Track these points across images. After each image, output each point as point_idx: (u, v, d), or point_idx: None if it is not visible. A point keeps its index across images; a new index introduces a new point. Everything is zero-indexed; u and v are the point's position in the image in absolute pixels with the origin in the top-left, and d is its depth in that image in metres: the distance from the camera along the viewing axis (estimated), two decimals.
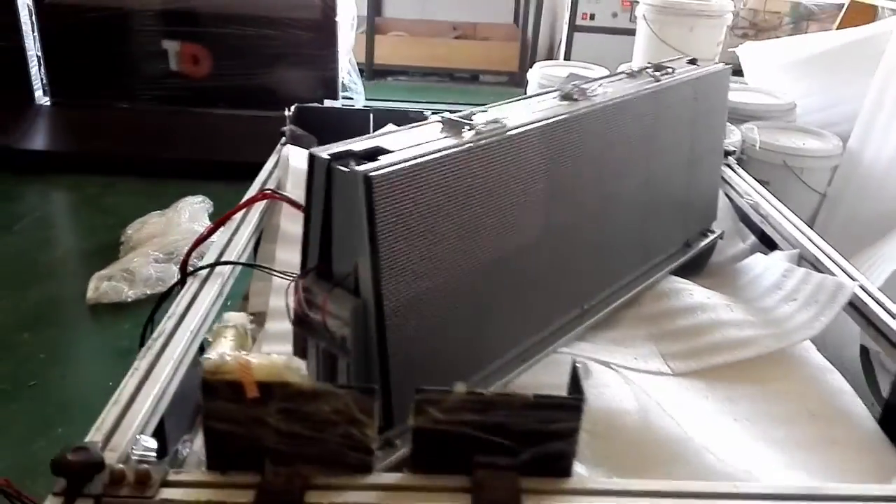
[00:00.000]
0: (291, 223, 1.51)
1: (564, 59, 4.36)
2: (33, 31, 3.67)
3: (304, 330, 0.99)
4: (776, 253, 1.62)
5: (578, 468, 0.93)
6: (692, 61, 1.59)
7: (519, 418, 0.81)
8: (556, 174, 1.16)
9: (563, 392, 1.16)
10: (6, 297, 2.41)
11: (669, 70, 1.44)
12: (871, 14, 3.55)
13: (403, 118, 1.88)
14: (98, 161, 3.43)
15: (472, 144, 1.00)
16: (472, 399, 0.80)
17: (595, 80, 1.34)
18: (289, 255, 1.47)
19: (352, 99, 3.94)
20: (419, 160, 0.92)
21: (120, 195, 3.22)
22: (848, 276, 1.39)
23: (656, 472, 0.98)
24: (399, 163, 0.90)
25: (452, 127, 1.03)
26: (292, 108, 1.82)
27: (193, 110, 3.80)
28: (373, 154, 0.92)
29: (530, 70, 3.36)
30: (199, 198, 2.90)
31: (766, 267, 1.58)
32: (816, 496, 0.83)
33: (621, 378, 1.22)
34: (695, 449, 1.03)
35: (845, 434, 1.17)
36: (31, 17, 3.63)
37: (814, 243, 1.53)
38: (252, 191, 1.62)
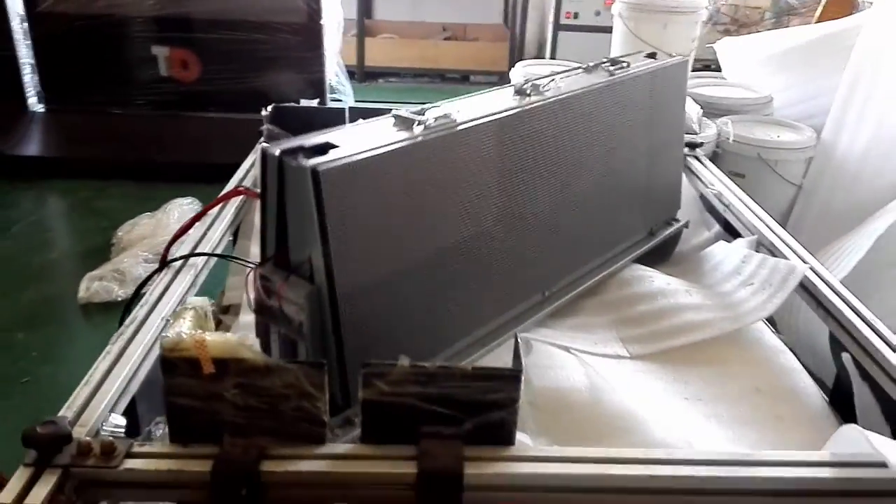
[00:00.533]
0: None
1: (550, 58, 4.42)
2: (25, 39, 3.73)
3: (265, 317, 1.04)
4: (738, 240, 1.67)
5: (524, 439, 0.98)
6: (651, 55, 1.65)
7: (460, 389, 0.86)
8: (509, 166, 1.21)
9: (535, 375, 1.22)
10: (1, 299, 2.47)
11: (624, 64, 1.50)
12: (848, 7, 3.61)
13: (377, 115, 1.93)
14: (90, 166, 3.49)
15: (421, 139, 1.05)
16: (416, 371, 0.85)
17: (550, 75, 1.40)
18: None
19: (340, 101, 4.00)
20: (366, 154, 0.97)
21: (112, 199, 3.28)
22: (801, 259, 1.45)
23: (601, 444, 1.03)
24: (346, 157, 0.95)
25: (404, 122, 1.09)
26: (269, 107, 1.88)
27: (184, 114, 3.86)
28: (322, 149, 0.97)
29: (512, 70, 3.42)
30: (188, 199, 2.96)
31: (726, 254, 1.63)
32: (745, 461, 0.88)
33: (578, 361, 1.27)
34: (640, 423, 1.08)
35: (791, 410, 1.22)
36: (22, 25, 3.69)
37: (771, 229, 1.58)
38: (230, 185, 1.68)
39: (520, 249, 1.29)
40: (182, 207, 2.88)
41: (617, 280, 1.56)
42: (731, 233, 1.76)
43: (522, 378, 0.86)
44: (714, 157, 2.71)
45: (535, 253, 1.34)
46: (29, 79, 3.81)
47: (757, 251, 1.57)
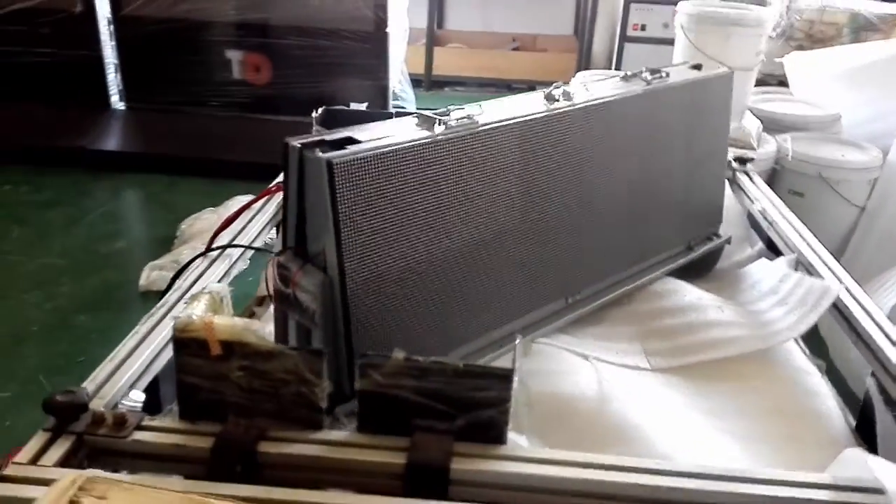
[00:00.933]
0: None
1: (615, 69, 4.38)
2: (111, 41, 3.95)
3: (283, 305, 1.09)
4: (779, 259, 1.63)
5: (520, 440, 0.99)
6: (696, 67, 1.63)
7: (451, 385, 0.88)
8: (532, 169, 1.22)
9: (536, 374, 1.23)
10: (69, 283, 2.63)
11: (663, 74, 1.49)
12: None
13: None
14: (164, 161, 3.67)
15: (440, 138, 1.08)
16: (409, 365, 0.88)
17: (585, 82, 1.40)
18: None
19: (403, 107, 4.07)
20: (383, 149, 1.01)
21: (181, 193, 3.44)
22: (837, 278, 1.40)
23: (603, 453, 1.03)
24: (363, 151, 0.99)
25: (425, 121, 1.12)
26: (320, 110, 1.94)
27: (254, 116, 4.01)
28: (342, 143, 1.01)
29: (573, 79, 3.41)
30: (249, 197, 3.07)
31: (766, 272, 1.59)
32: (736, 477, 0.87)
33: (592, 368, 1.27)
34: (645, 434, 1.07)
35: (811, 433, 1.18)
36: (108, 27, 3.91)
37: (811, 248, 1.54)
38: (274, 182, 1.75)
39: (541, 254, 1.30)
40: (241, 204, 2.98)
41: (648, 292, 1.54)
42: (773, 250, 1.72)
43: (514, 378, 0.88)
44: (773, 175, 2.64)
45: (558, 258, 1.34)
46: (112, 78, 4.03)
47: (796, 270, 1.53)
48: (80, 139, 3.78)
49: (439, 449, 0.88)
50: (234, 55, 3.90)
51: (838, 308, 1.34)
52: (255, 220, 1.54)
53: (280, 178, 1.77)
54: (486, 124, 1.15)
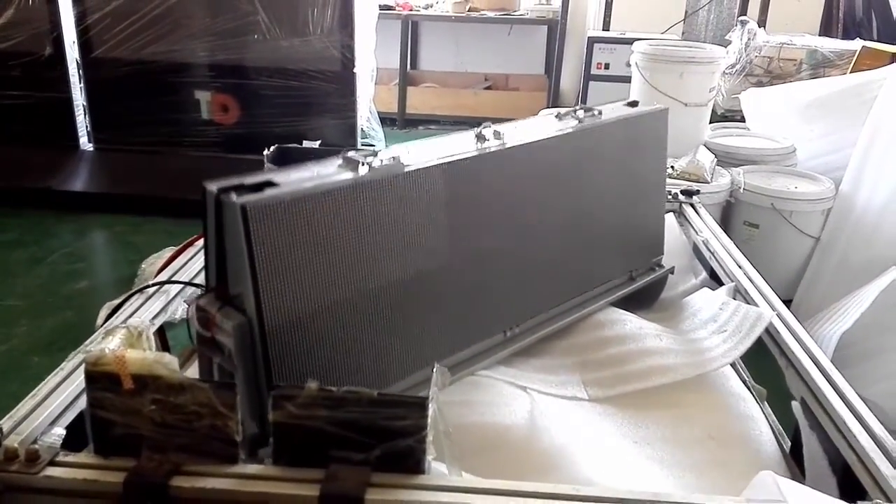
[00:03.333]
0: None
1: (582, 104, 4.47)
2: (80, 83, 3.99)
3: (204, 348, 1.08)
4: (720, 288, 1.65)
5: (443, 469, 0.99)
6: (632, 104, 1.66)
7: (367, 415, 0.88)
8: (461, 208, 1.23)
9: (468, 405, 1.23)
10: (25, 324, 2.60)
11: (596, 112, 1.52)
12: (883, 59, 3.55)
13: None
14: (130, 201, 3.67)
15: (362, 180, 1.09)
16: (323, 395, 0.88)
17: (515, 122, 1.44)
18: None
19: (373, 145, 4.12)
20: (298, 192, 1.02)
21: (145, 233, 3.44)
22: (770, 305, 1.42)
23: (536, 477, 1.03)
24: (277, 194, 1.00)
25: (350, 163, 1.13)
26: (272, 148, 1.96)
27: (223, 155, 4.04)
28: (260, 187, 1.02)
29: (542, 112, 3.47)
30: None
31: (706, 301, 1.61)
32: (653, 502, 0.88)
33: (527, 399, 1.27)
34: (571, 461, 1.08)
35: (741, 458, 1.19)
36: (78, 70, 3.95)
37: (748, 276, 1.56)
38: None
39: (475, 289, 1.31)
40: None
41: (590, 323, 1.56)
42: (716, 280, 1.75)
43: (432, 406, 0.88)
44: (728, 207, 2.69)
45: (494, 293, 1.35)
46: (81, 119, 4.05)
47: (734, 298, 1.55)
48: (47, 180, 3.78)
49: (355, 480, 0.88)
50: (202, 95, 3.94)
51: (770, 334, 1.36)
52: (200, 255, 1.55)
53: None
54: (411, 165, 1.17)
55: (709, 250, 1.76)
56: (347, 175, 1.10)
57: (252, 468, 0.91)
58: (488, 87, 6.01)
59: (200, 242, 1.62)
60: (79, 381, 1.08)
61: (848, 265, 2.55)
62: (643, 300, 1.73)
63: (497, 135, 1.34)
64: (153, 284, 1.39)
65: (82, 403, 1.08)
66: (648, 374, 1.38)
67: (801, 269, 2.66)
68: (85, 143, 4.10)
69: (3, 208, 3.61)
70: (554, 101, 5.27)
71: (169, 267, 1.51)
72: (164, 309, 1.35)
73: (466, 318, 1.31)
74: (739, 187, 2.53)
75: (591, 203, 1.52)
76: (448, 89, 5.82)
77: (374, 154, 1.16)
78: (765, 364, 1.41)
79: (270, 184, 1.04)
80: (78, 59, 3.93)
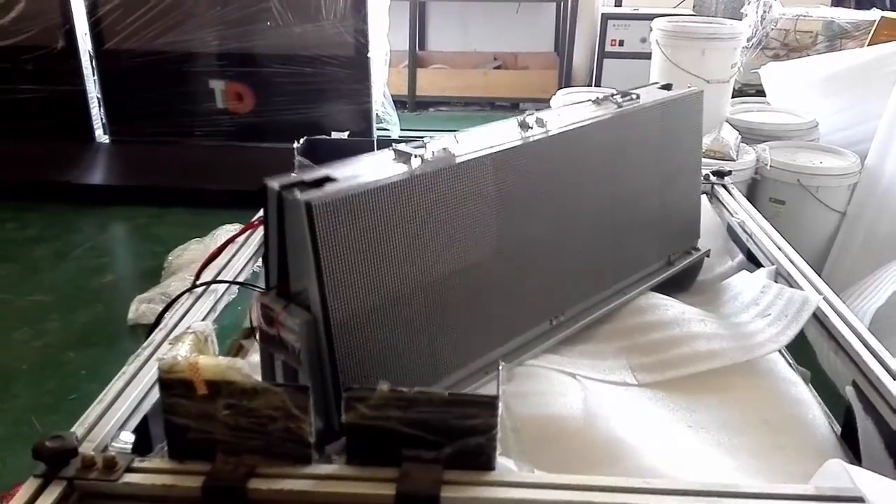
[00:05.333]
0: None
1: (595, 85, 4.43)
2: (93, 75, 3.98)
3: (268, 346, 1.10)
4: (759, 270, 1.65)
5: (509, 464, 1.00)
6: (666, 86, 1.66)
7: (438, 414, 0.89)
8: (509, 197, 1.24)
9: (523, 396, 1.25)
10: (57, 319, 2.62)
11: (634, 96, 1.51)
12: None
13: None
14: (149, 193, 3.68)
15: (415, 172, 1.10)
16: (395, 396, 0.89)
17: (556, 108, 1.43)
18: None
19: (388, 130, 4.11)
20: (360, 188, 1.02)
21: (167, 225, 3.45)
22: (816, 289, 1.42)
23: (593, 471, 1.04)
24: (340, 190, 1.00)
25: (402, 156, 1.13)
26: (301, 140, 1.96)
27: (239, 144, 4.03)
28: (320, 182, 1.03)
29: (553, 98, 3.46)
30: (235, 226, 3.08)
31: (746, 284, 1.62)
32: (725, 493, 0.89)
33: (579, 387, 1.28)
34: (632, 450, 1.08)
35: (796, 442, 1.20)
36: (91, 62, 3.94)
37: (789, 259, 1.56)
38: (258, 215, 1.76)
39: (523, 278, 1.32)
40: (229, 233, 2.98)
41: (632, 308, 1.56)
42: (753, 262, 1.75)
43: (499, 405, 0.89)
44: (753, 184, 2.67)
45: (540, 282, 1.36)
46: (96, 112, 4.05)
47: (775, 281, 1.55)
48: (65, 174, 3.78)
49: (428, 478, 0.89)
50: (216, 85, 3.92)
51: (818, 318, 1.36)
52: (239, 253, 1.55)
53: (261, 211, 1.77)
54: (461, 156, 1.17)
55: (745, 232, 1.75)
56: (402, 168, 1.10)
57: (327, 468, 0.92)
58: (498, 67, 5.96)
59: (241, 238, 1.62)
60: (142, 384, 1.09)
61: (875, 239, 2.55)
62: (680, 284, 1.73)
63: (540, 122, 1.33)
64: (200, 284, 1.40)
65: (146, 407, 1.09)
66: (696, 358, 1.39)
67: (827, 245, 2.65)
68: (100, 135, 4.10)
69: (23, 203, 3.62)
70: (566, 79, 5.23)
71: (213, 265, 1.51)
72: (213, 308, 1.36)
73: (514, 307, 1.32)
74: (766, 164, 2.52)
75: (631, 188, 1.52)
76: (457, 70, 5.78)
77: (424, 146, 1.16)
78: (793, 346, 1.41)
79: (329, 179, 1.04)
80: (91, 51, 3.92)
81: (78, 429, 0.99)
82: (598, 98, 1.52)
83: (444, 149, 1.16)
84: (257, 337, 1.10)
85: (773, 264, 1.61)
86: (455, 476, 0.90)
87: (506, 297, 1.29)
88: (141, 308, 2.56)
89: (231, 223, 3.16)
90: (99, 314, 2.67)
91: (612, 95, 1.52)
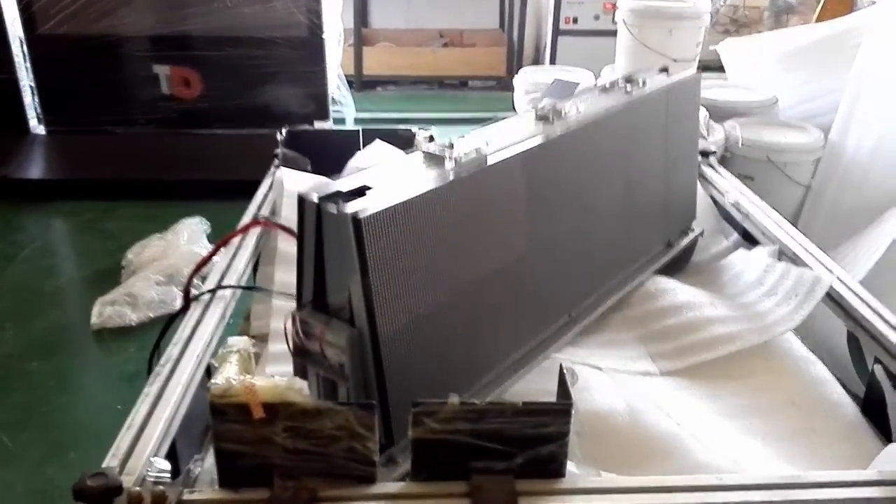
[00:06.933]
0: (289, 244, 1.56)
1: (550, 63, 4.42)
2: (25, 62, 3.72)
3: (304, 359, 1.04)
4: (758, 248, 1.67)
5: (571, 467, 0.98)
6: (664, 70, 1.65)
7: (511, 425, 0.86)
8: (536, 195, 1.21)
9: (555, 396, 1.22)
10: (13, 328, 2.46)
11: (640, 82, 1.50)
12: (848, 4, 3.62)
13: (392, 136, 1.94)
14: (95, 187, 3.47)
15: (453, 177, 1.05)
16: (466, 409, 0.85)
17: (569, 98, 1.40)
18: (288, 276, 1.51)
19: (341, 113, 4.00)
20: (405, 198, 0.97)
21: (119, 219, 3.27)
22: (826, 268, 1.45)
23: (647, 468, 1.03)
24: (384, 202, 0.95)
25: (434, 160, 1.08)
26: (284, 131, 1.87)
27: (187, 132, 3.86)
28: (359, 192, 0.97)
29: (516, 76, 3.43)
30: (197, 219, 2.95)
31: (747, 263, 1.63)
32: (797, 484, 0.89)
33: (610, 380, 1.27)
34: (682, 445, 1.08)
35: (826, 423, 1.22)
36: (22, 48, 3.68)
37: (793, 238, 1.58)
38: (248, 215, 1.67)
39: (547, 274, 1.29)
40: (191, 228, 2.87)
41: (641, 294, 1.56)
42: (749, 240, 1.77)
43: (572, 412, 0.87)
44: (722, 161, 2.71)
45: (560, 276, 1.34)
46: (29, 101, 3.80)
47: (779, 260, 1.57)
48: (0, 168, 3.54)
49: (503, 490, 0.86)
50: (161, 70, 3.73)
51: (832, 298, 1.38)
52: (238, 255, 1.47)
53: (250, 211, 1.68)
54: (493, 156, 1.13)
55: (740, 212, 1.77)
56: (437, 172, 1.06)
57: (393, 487, 0.88)
58: (445, 45, 5.88)
59: (235, 241, 1.54)
60: (170, 406, 1.02)
61: (839, 211, 2.62)
62: (676, 265, 1.74)
63: (558, 114, 1.30)
64: (207, 292, 1.32)
65: (174, 430, 1.03)
66: (713, 343, 1.39)
67: (793, 218, 2.71)
68: (35, 125, 3.85)
69: None
70: (518, 58, 5.20)
71: (211, 270, 1.42)
72: (223, 315, 1.28)
73: (539, 303, 1.30)
74: (737, 142, 2.55)
75: (640, 175, 1.51)
76: (405, 48, 5.67)
77: (451, 147, 1.11)
78: None
79: (368, 189, 0.98)
80: (21, 36, 3.66)
81: (111, 460, 0.91)
82: (604, 85, 1.50)
83: (476, 150, 1.11)
84: (292, 352, 1.04)
85: (774, 243, 1.63)
86: (526, 486, 0.87)
87: (533, 293, 1.27)
88: (105, 311, 2.43)
89: (190, 216, 3.03)
90: (58, 320, 2.52)
91: (618, 83, 1.50)
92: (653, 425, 1.12)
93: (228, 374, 0.89)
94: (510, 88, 5.01)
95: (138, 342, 2.34)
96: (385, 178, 1.02)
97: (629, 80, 1.52)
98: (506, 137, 1.20)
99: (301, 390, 0.84)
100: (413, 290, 1.00)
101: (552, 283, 1.31)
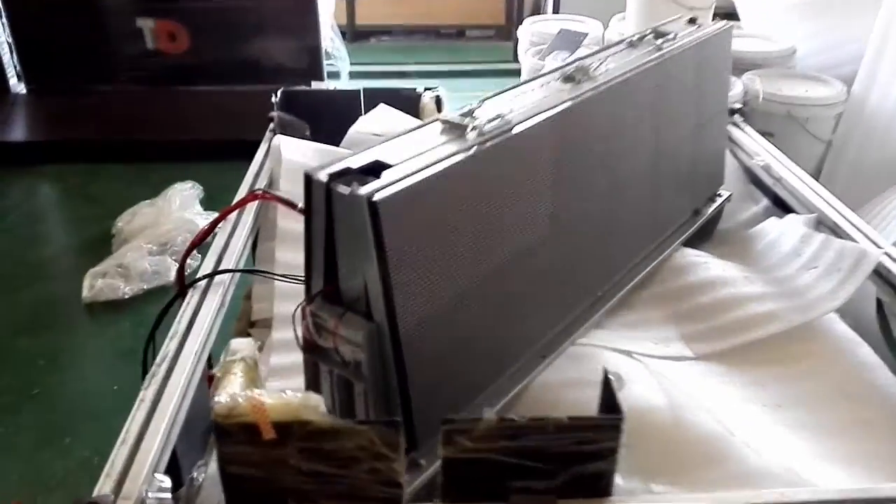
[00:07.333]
0: (289, 220, 1.44)
1: (553, 12, 4.23)
2: (1, 17, 3.52)
3: (316, 356, 0.93)
4: (791, 217, 1.56)
5: (616, 479, 0.89)
6: (692, 20, 1.51)
7: (554, 442, 0.77)
8: (564, 164, 1.10)
9: (590, 387, 1.13)
10: (0, 300, 2.35)
11: (671, 35, 1.36)
12: None
13: (395, 97, 1.80)
14: (80, 149, 3.30)
15: (476, 148, 0.93)
16: (504, 426, 0.75)
17: (595, 54, 1.27)
18: (289, 255, 1.41)
19: (336, 67, 3.83)
20: (424, 175, 0.85)
21: (105, 183, 3.13)
22: (872, 242, 1.34)
23: (695, 475, 0.94)
24: (403, 180, 0.83)
25: (453, 129, 0.96)
26: (278, 93, 1.73)
27: (174, 89, 3.68)
28: (373, 170, 0.85)
29: (520, 27, 3.26)
30: (189, 184, 2.82)
31: (781, 232, 1.53)
32: (871, 501, 0.80)
33: (645, 369, 1.17)
34: (733, 447, 0.98)
35: (879, 414, 1.13)
36: None
37: (833, 207, 1.47)
38: (244, 186, 1.55)
39: (574, 251, 1.19)
40: (183, 193, 2.73)
41: (669, 268, 1.46)
42: (781, 207, 1.66)
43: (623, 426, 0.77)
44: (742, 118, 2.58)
45: (588, 253, 1.23)
46: (8, 59, 3.60)
47: (817, 230, 1.46)
48: None
49: None
50: (144, 24, 3.54)
51: (880, 274, 1.28)
52: (236, 234, 1.35)
53: (245, 183, 1.56)
54: (519, 123, 1.00)
55: (772, 176, 1.65)
56: (459, 145, 0.94)
57: None
58: None
59: (233, 216, 1.42)
60: (169, 412, 0.92)
61: (862, 168, 2.52)
62: (702, 234, 1.63)
63: (585, 73, 1.17)
64: (203, 277, 1.20)
65: (174, 439, 0.93)
66: (751, 324, 1.30)
67: (814, 175, 2.60)
68: (15, 84, 3.67)
69: None
70: (519, 6, 4.99)
71: (207, 249, 1.31)
72: (222, 303, 1.17)
73: (565, 285, 1.20)
74: (757, 96, 2.42)
75: (669, 137, 1.39)
76: None
77: (471, 114, 0.99)
78: None
79: (382, 165, 0.87)
80: None
81: (106, 482, 0.82)
82: (632, 39, 1.36)
83: (499, 116, 0.99)
84: (302, 348, 0.94)
85: (808, 210, 1.52)
86: None
87: (560, 273, 1.16)
88: (97, 284, 2.31)
89: (180, 179, 2.89)
90: (46, 292, 2.40)
91: (646, 35, 1.37)
92: (696, 423, 1.02)
93: (233, 389, 0.79)
94: (510, 38, 4.83)
95: (132, 316, 2.24)
96: (400, 151, 0.90)
97: (658, 34, 1.39)
98: (528, 101, 1.08)
99: (317, 407, 0.74)
100: (435, 278, 0.90)
101: (579, 262, 1.21)
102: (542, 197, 1.07)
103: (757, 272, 1.44)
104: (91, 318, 2.26)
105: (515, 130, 0.99)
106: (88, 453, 1.69)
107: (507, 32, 5.07)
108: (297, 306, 0.91)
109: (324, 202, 0.85)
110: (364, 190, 0.81)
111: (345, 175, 0.85)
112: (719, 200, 1.66)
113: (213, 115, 3.39)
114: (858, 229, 1.38)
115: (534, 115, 1.03)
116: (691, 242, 1.55)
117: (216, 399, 0.73)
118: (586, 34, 2.89)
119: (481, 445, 0.76)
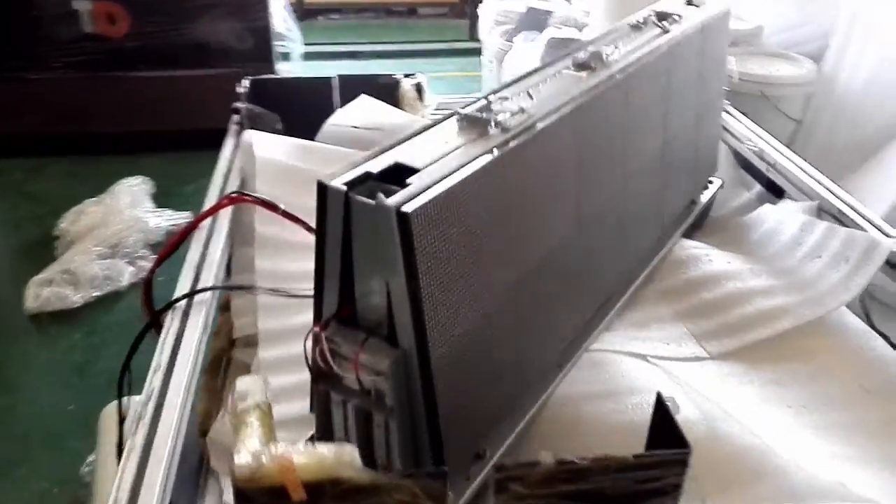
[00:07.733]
0: (268, 225, 1.33)
1: None
2: None
3: (329, 386, 0.84)
4: (788, 203, 1.52)
5: None
6: (690, 2, 1.44)
7: (617, 482, 0.69)
8: (586, 157, 1.02)
9: (609, 399, 1.06)
10: None
11: (676, 17, 1.29)
12: None
13: (371, 85, 1.68)
14: (17, 142, 3.08)
15: (503, 148, 0.84)
16: (563, 469, 0.67)
17: (603, 38, 1.19)
18: (270, 264, 1.29)
19: (288, 48, 3.65)
20: (454, 180, 0.76)
21: (47, 179, 2.92)
22: (881, 231, 1.31)
23: (744, 493, 0.88)
24: (433, 188, 0.74)
25: (473, 125, 0.87)
26: (245, 82, 1.60)
27: (115, 74, 3.45)
28: (395, 175, 0.75)
29: (481, 5, 3.16)
30: (138, 179, 2.64)
31: (779, 220, 1.49)
32: None
33: (665, 375, 1.11)
34: (771, 459, 0.93)
35: None
36: None
37: (834, 194, 1.43)
38: (214, 188, 1.42)
39: (594, 251, 1.12)
40: (132, 189, 2.56)
41: (670, 262, 1.40)
42: (775, 193, 1.62)
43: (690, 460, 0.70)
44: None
45: (606, 252, 1.16)
46: None
47: (818, 217, 1.42)
48: None
49: None
50: (81, 5, 3.30)
51: (891, 264, 1.24)
52: (212, 242, 1.23)
53: (215, 183, 1.42)
54: (542, 117, 0.91)
55: (765, 161, 1.61)
56: (483, 145, 0.84)
57: None
58: None
59: (207, 222, 1.29)
60: (163, 464, 0.81)
61: (833, 147, 2.52)
62: (696, 223, 1.58)
63: (601, 61, 1.09)
64: (183, 297, 1.08)
65: (169, 494, 0.82)
66: (763, 320, 1.25)
67: None
68: None
69: None
70: None
71: (177, 262, 1.19)
72: (205, 326, 1.06)
73: (583, 289, 1.12)
74: (733, 76, 2.39)
75: (675, 126, 1.33)
76: None
77: (489, 107, 0.90)
78: None
79: (406, 169, 0.77)
80: None
81: None
82: (636, 22, 1.28)
83: (521, 109, 0.90)
84: (312, 376, 0.84)
85: (806, 196, 1.48)
86: None
87: (579, 277, 1.09)
88: (43, 293, 2.13)
89: (129, 174, 2.71)
90: None
91: (650, 18, 1.29)
92: (733, 436, 0.96)
93: (253, 445, 0.68)
94: (464, 15, 4.72)
95: (84, 326, 2.07)
96: (419, 152, 0.81)
97: (661, 16, 1.31)
98: (546, 92, 0.99)
99: (352, 462, 0.64)
100: (465, 295, 0.81)
101: (597, 261, 1.14)
102: (567, 195, 1.00)
103: (760, 263, 1.40)
104: (38, 331, 2.09)
105: (540, 125, 0.91)
106: (47, 484, 1.53)
107: (460, 9, 4.96)
108: (308, 332, 0.81)
109: (341, 214, 0.74)
110: (392, 200, 0.71)
111: (364, 182, 0.75)
112: (712, 188, 1.61)
113: (160, 102, 3.19)
114: (864, 217, 1.34)
115: (557, 108, 0.95)
116: (685, 232, 1.50)
117: (236, 461, 0.63)
118: (552, 12, 2.81)
119: (538, 491, 0.68)
